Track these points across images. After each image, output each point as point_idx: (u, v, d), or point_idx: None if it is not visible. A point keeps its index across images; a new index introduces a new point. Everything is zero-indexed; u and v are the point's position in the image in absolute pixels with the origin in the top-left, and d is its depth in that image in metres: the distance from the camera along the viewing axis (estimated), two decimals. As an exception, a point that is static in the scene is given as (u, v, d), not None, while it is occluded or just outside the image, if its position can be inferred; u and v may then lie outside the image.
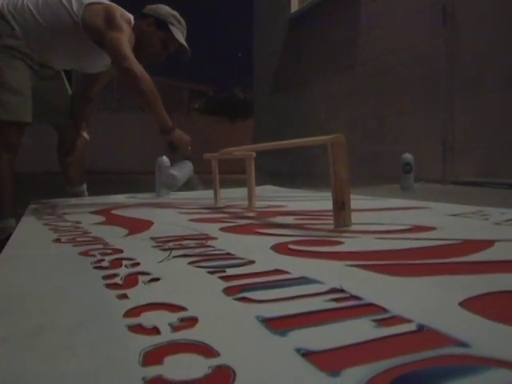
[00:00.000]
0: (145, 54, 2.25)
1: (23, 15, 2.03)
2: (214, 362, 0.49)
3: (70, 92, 2.49)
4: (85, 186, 2.75)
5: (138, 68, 2.03)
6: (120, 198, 2.82)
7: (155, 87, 2.08)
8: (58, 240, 1.33)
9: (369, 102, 5.04)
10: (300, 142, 1.75)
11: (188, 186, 2.64)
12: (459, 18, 4.06)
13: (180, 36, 2.30)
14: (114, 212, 2.06)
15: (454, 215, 1.75)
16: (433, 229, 1.40)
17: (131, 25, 2.22)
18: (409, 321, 0.60)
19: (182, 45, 2.32)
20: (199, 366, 0.48)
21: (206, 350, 0.52)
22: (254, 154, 2.06)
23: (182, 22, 2.34)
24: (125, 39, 2.07)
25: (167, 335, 0.57)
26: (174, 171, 2.16)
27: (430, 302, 0.70)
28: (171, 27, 2.27)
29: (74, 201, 2.57)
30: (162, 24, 2.28)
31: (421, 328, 0.58)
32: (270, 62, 7.23)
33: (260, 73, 7.79)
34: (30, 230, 1.65)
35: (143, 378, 0.46)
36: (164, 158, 2.89)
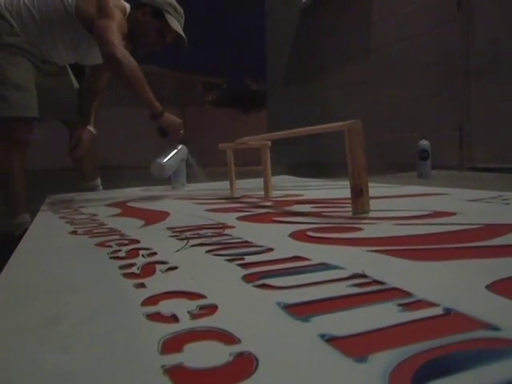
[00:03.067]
0: (141, 43, 2.22)
1: (20, 12, 2.02)
2: (236, 349, 0.48)
3: (76, 87, 2.47)
4: (99, 181, 2.74)
5: (121, 53, 1.98)
6: (135, 191, 2.82)
7: (141, 73, 2.03)
8: (74, 232, 1.33)
9: (384, 89, 4.99)
10: (316, 129, 1.72)
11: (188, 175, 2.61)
12: (474, 2, 3.99)
13: (176, 25, 2.26)
14: (129, 204, 2.06)
15: (474, 200, 1.72)
16: (453, 214, 1.37)
17: (126, 13, 2.19)
18: (435, 305, 0.58)
19: (178, 34, 2.28)
20: (220, 353, 0.47)
21: (227, 337, 0.51)
22: (270, 143, 2.04)
23: (180, 10, 2.29)
24: (113, 26, 2.03)
25: (186, 323, 0.56)
26: (161, 159, 2.12)
27: (455, 286, 0.68)
28: (167, 16, 2.23)
29: (89, 195, 2.58)
30: (157, 13, 2.24)
31: (448, 312, 0.56)
32: (283, 52, 7.19)
33: (273, 63, 7.75)
34: (46, 223, 1.65)
35: (163, 366, 0.44)
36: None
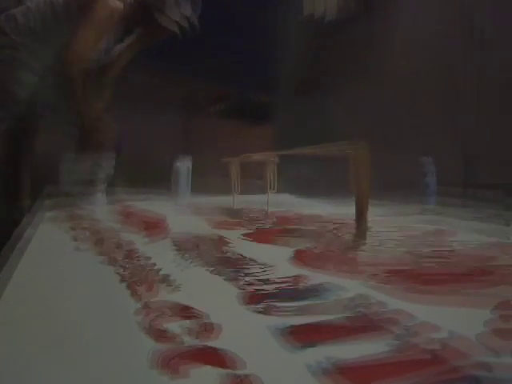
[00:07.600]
0: (133, 41, 2.22)
1: (16, 23, 2.04)
2: (233, 373, 0.48)
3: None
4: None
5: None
6: (137, 202, 2.80)
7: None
8: (77, 248, 1.32)
9: (390, 109, 5.00)
10: (322, 152, 1.72)
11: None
12: (492, 38, 4.01)
13: (168, 21, 2.18)
14: (131, 217, 2.05)
15: (476, 219, 1.72)
16: (455, 233, 1.38)
17: (117, 12, 2.11)
18: (439, 328, 0.58)
19: (172, 28, 2.21)
20: (217, 376, 0.47)
21: (224, 361, 0.51)
22: (276, 160, 2.02)
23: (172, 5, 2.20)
24: (81, 33, 1.98)
25: (184, 343, 0.56)
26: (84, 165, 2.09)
27: (458, 309, 0.68)
28: (156, 14, 2.17)
29: (90, 206, 2.55)
30: (147, 10, 2.18)
31: (452, 335, 0.56)
32: (292, 65, 7.20)
33: (281, 76, 7.75)
34: (48, 239, 1.63)
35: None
36: (179, 163, 2.87)
